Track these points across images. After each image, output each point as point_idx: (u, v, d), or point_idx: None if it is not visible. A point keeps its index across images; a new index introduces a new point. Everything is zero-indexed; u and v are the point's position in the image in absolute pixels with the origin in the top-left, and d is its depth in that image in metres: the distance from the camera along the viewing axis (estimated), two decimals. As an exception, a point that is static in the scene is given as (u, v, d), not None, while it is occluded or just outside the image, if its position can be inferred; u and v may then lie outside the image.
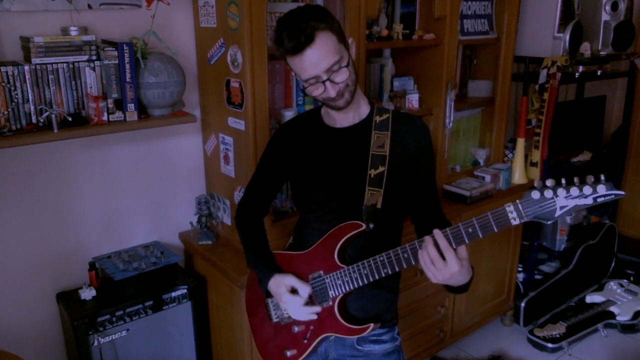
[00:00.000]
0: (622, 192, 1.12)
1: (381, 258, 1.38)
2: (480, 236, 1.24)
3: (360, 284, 1.42)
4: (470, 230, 1.24)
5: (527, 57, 2.89)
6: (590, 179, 1.14)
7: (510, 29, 2.77)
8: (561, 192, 1.14)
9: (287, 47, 1.32)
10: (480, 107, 2.95)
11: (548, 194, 1.15)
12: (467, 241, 1.25)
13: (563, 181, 1.16)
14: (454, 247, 1.25)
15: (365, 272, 1.41)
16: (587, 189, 1.13)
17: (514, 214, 1.19)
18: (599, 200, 1.13)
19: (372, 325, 1.46)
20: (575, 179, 1.15)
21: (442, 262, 1.25)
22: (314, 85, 1.37)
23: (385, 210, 1.45)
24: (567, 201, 1.14)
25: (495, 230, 1.22)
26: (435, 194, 1.56)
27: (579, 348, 3.00)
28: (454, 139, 2.85)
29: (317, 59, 1.32)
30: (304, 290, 1.48)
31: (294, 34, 1.30)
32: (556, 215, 1.16)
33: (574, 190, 1.13)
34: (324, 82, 1.36)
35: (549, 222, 1.18)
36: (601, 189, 1.12)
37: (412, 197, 1.53)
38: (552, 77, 2.82)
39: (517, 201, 1.19)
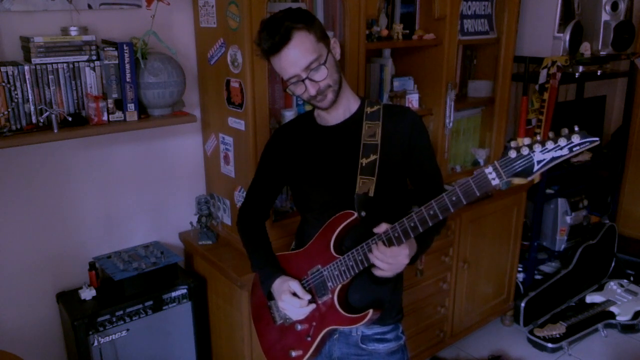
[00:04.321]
0: (596, 139, 1.14)
1: (373, 241, 1.38)
2: (464, 202, 1.26)
3: (357, 270, 1.42)
4: (454, 198, 1.26)
5: (527, 57, 2.89)
6: (565, 131, 1.16)
7: (510, 29, 2.77)
8: (537, 147, 1.16)
9: (265, 47, 1.36)
10: (480, 107, 2.95)
11: (524, 150, 1.17)
12: (452, 209, 1.27)
13: (538, 137, 1.19)
14: (440, 217, 1.29)
15: (360, 257, 1.41)
16: (562, 141, 1.14)
17: (492, 175, 1.21)
18: (574, 149, 1.15)
19: (371, 311, 1.44)
20: (551, 134, 1.17)
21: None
22: (295, 84, 1.40)
23: (378, 198, 1.45)
24: (543, 155, 1.16)
25: (477, 194, 1.24)
26: (438, 178, 1.57)
27: (579, 348, 3.00)
28: (454, 139, 2.85)
29: (294, 58, 1.36)
30: (305, 295, 1.49)
31: (271, 34, 1.35)
32: (535, 170, 1.18)
33: (550, 144, 1.15)
34: (303, 80, 1.38)
35: (529, 178, 1.19)
36: (575, 138, 1.14)
37: (415, 184, 1.55)
38: (552, 77, 2.82)
39: (495, 162, 1.21)
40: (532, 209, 3.19)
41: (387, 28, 2.43)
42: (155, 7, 1.96)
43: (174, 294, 2.10)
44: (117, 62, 1.84)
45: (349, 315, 1.46)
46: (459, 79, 2.88)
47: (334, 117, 1.52)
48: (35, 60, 1.73)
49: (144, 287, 2.04)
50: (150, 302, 2.04)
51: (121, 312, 1.97)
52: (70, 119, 1.79)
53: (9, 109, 1.71)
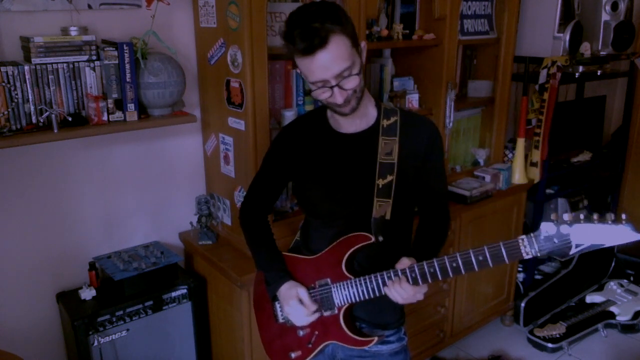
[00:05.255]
0: None
1: (388, 274, 1.37)
2: (491, 265, 1.23)
3: (366, 296, 1.42)
4: (480, 258, 1.24)
5: (527, 57, 2.89)
6: (611, 216, 1.08)
7: (510, 29, 2.77)
8: (578, 228, 1.09)
9: (299, 48, 1.26)
10: (480, 107, 2.95)
11: (564, 229, 1.10)
12: (476, 268, 1.25)
13: (582, 216, 1.10)
14: (463, 272, 1.28)
15: (372, 286, 1.40)
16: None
17: (527, 248, 1.17)
18: (617, 242, 1.07)
19: (375, 338, 1.47)
20: (595, 216, 1.09)
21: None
22: (320, 89, 1.32)
23: (394, 221, 1.43)
24: (583, 239, 1.10)
25: (507, 261, 1.22)
26: (443, 195, 1.55)
27: (579, 348, 3.00)
28: (454, 139, 2.85)
29: (328, 63, 1.27)
30: (311, 306, 1.47)
31: (307, 34, 1.24)
32: (571, 253, 1.12)
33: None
34: (332, 87, 1.31)
35: (562, 259, 1.15)
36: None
37: (419, 196, 1.52)
38: (552, 77, 2.82)
39: (532, 234, 1.16)
40: (532, 209, 3.18)
41: (387, 28, 2.43)
42: (155, 7, 1.96)
43: (174, 294, 2.10)
44: (117, 62, 1.84)
45: (354, 337, 1.46)
46: (459, 79, 2.88)
47: (351, 124, 1.46)
48: (35, 60, 1.73)
49: (144, 287, 2.04)
50: (150, 302, 2.04)
51: (121, 312, 1.97)
52: (70, 119, 1.79)
53: (9, 109, 1.71)
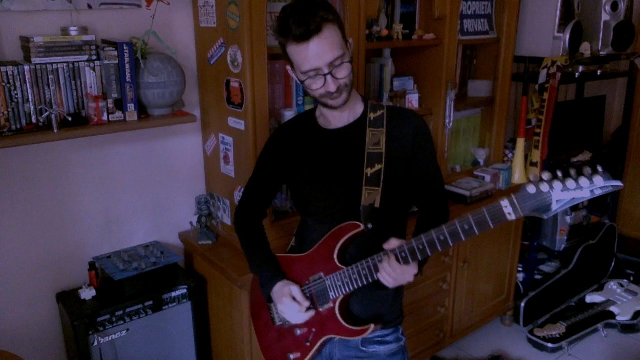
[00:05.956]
0: (620, 184, 1.10)
1: (379, 257, 1.38)
2: (477, 233, 1.24)
3: (360, 284, 1.42)
4: (466, 227, 1.24)
5: (527, 57, 2.89)
6: (588, 170, 1.11)
7: (510, 29, 2.77)
8: (557, 185, 1.12)
9: (295, 34, 1.30)
10: (480, 107, 2.95)
11: (544, 187, 1.13)
12: (463, 238, 1.26)
13: (559, 174, 1.13)
14: (450, 244, 1.28)
15: (364, 272, 1.40)
16: (584, 181, 1.10)
17: (509, 209, 1.18)
18: (596, 192, 1.10)
19: (372, 326, 1.46)
20: (572, 171, 1.12)
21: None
22: (313, 78, 1.36)
23: (384, 209, 1.44)
24: (563, 194, 1.12)
25: (492, 226, 1.22)
26: (439, 185, 1.56)
27: (579, 348, 3.00)
28: (454, 139, 2.85)
29: (322, 50, 1.32)
30: (304, 302, 1.48)
31: (303, 21, 1.29)
32: (553, 209, 1.14)
33: (571, 183, 1.11)
34: (324, 75, 1.34)
35: (546, 217, 1.16)
36: (599, 180, 1.09)
37: (416, 190, 1.53)
38: (552, 77, 2.82)
39: (513, 196, 1.17)
40: (532, 209, 3.18)
41: (387, 28, 2.44)
42: (155, 7, 1.96)
43: (174, 294, 2.10)
44: (117, 62, 1.84)
45: (350, 327, 1.46)
46: (459, 79, 2.88)
47: (339, 119, 1.50)
48: (35, 60, 1.73)
49: (144, 287, 2.04)
50: (150, 302, 2.04)
51: (121, 312, 1.97)
52: (70, 119, 1.79)
53: (9, 109, 1.71)
